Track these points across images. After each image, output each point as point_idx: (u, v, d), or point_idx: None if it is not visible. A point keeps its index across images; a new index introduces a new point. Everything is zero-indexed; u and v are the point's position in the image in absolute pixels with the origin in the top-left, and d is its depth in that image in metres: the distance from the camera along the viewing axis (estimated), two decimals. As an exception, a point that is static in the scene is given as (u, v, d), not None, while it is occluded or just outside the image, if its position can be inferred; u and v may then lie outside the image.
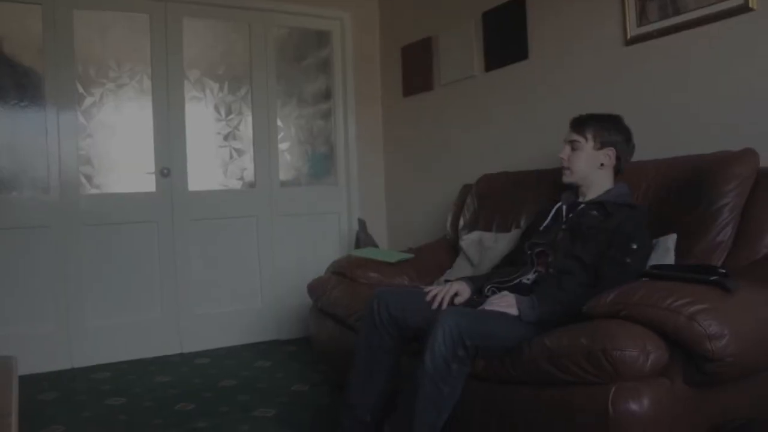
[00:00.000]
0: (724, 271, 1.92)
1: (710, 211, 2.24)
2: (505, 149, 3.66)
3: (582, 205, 2.37)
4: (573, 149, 2.41)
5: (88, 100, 3.96)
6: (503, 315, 2.05)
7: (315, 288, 3.31)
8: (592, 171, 2.40)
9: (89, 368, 3.77)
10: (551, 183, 2.90)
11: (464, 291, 2.32)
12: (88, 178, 3.96)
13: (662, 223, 2.36)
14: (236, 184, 4.43)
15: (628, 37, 2.92)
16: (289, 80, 4.59)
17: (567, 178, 2.44)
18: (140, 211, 4.05)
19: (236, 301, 4.32)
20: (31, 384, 3.38)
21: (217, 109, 4.35)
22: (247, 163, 4.43)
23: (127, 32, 4.07)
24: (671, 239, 2.26)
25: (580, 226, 2.28)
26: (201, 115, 4.28)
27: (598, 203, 2.34)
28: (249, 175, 4.44)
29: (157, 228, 4.09)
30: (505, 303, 2.09)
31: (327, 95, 4.72)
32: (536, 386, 1.93)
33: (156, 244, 4.08)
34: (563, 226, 2.35)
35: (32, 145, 3.79)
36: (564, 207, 2.43)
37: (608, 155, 2.40)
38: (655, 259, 2.22)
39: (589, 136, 2.39)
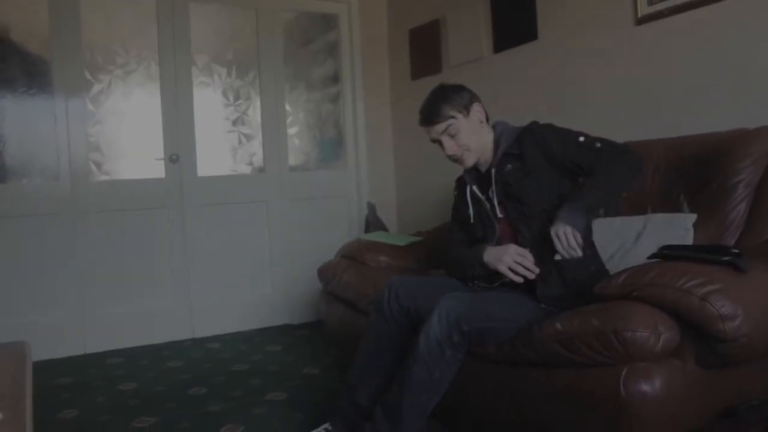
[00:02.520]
0: (737, 251, 1.90)
1: (724, 188, 2.22)
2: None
3: (493, 170, 2.24)
4: (451, 136, 2.22)
5: (96, 87, 3.96)
6: (506, 299, 2.03)
7: (325, 272, 3.32)
8: (481, 135, 2.27)
9: (102, 354, 3.81)
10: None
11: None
12: (98, 165, 3.97)
13: (673, 200, 2.34)
14: (245, 169, 4.43)
15: (639, 16, 2.89)
16: (297, 64, 4.57)
17: (470, 161, 2.28)
18: (150, 197, 4.06)
19: (247, 285, 4.33)
20: (45, 370, 3.42)
21: (225, 94, 4.34)
22: (256, 148, 4.43)
23: (133, 18, 4.06)
24: (690, 219, 2.23)
25: (512, 188, 2.18)
26: (209, 100, 4.28)
27: (504, 156, 2.22)
28: (258, 160, 4.44)
29: (167, 214, 4.10)
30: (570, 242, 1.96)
31: (335, 79, 4.71)
32: (547, 369, 1.93)
33: (166, 230, 4.10)
34: (495, 201, 2.22)
35: (41, 132, 3.80)
36: (475, 187, 2.31)
37: (478, 111, 2.27)
38: (674, 239, 2.20)
39: (453, 112, 2.22)
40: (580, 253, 1.99)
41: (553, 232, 1.99)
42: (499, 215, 2.22)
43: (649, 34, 2.86)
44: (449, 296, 1.97)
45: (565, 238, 1.96)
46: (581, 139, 2.10)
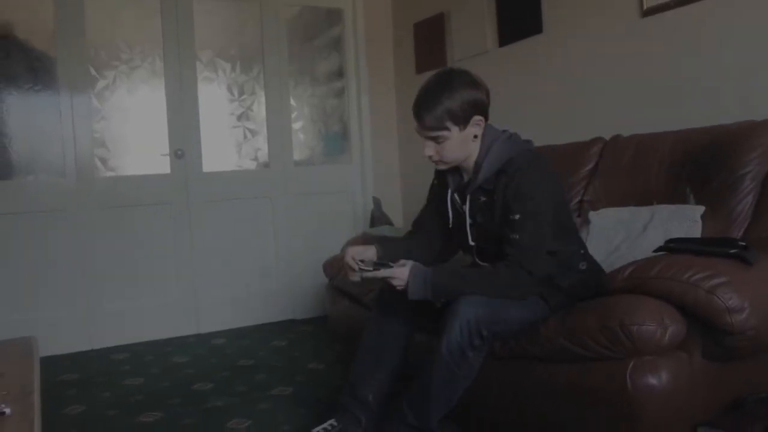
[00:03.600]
0: (743, 243, 1.89)
1: (731, 180, 2.21)
2: (518, 125, 3.60)
3: (468, 197, 2.08)
4: (438, 142, 2.00)
5: (101, 83, 3.96)
6: (521, 299, 2.02)
7: (330, 267, 3.32)
8: (468, 149, 2.04)
9: (108, 349, 3.81)
10: (566, 158, 2.88)
11: (364, 252, 2.13)
12: (103, 161, 3.97)
13: (679, 193, 2.33)
14: (250, 165, 4.43)
15: (645, 8, 2.87)
16: (302, 59, 4.57)
17: (443, 167, 2.11)
18: (155, 193, 4.06)
19: (252, 281, 4.33)
20: (51, 365, 3.42)
21: (229, 89, 4.34)
22: (261, 143, 4.43)
23: (137, 14, 4.06)
24: (698, 211, 2.22)
25: (479, 223, 2.08)
26: (214, 95, 4.28)
27: (479, 188, 2.05)
28: (263, 155, 4.44)
29: (172, 210, 4.10)
30: (397, 282, 1.97)
31: (339, 74, 4.70)
32: (553, 364, 1.92)
33: (171, 225, 4.10)
34: (470, 221, 2.10)
35: (47, 129, 3.80)
36: (456, 195, 2.15)
37: (477, 125, 2.01)
38: (681, 231, 2.19)
39: (449, 123, 1.96)
40: (357, 279, 2.07)
41: (397, 271, 1.96)
42: (471, 243, 2.13)
43: (655, 26, 2.85)
44: (467, 302, 1.91)
45: (388, 280, 1.97)
46: (516, 216, 1.93)
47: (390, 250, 2.14)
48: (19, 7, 3.77)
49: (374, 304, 2.29)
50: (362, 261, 2.05)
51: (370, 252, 2.13)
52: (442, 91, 1.96)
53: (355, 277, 2.09)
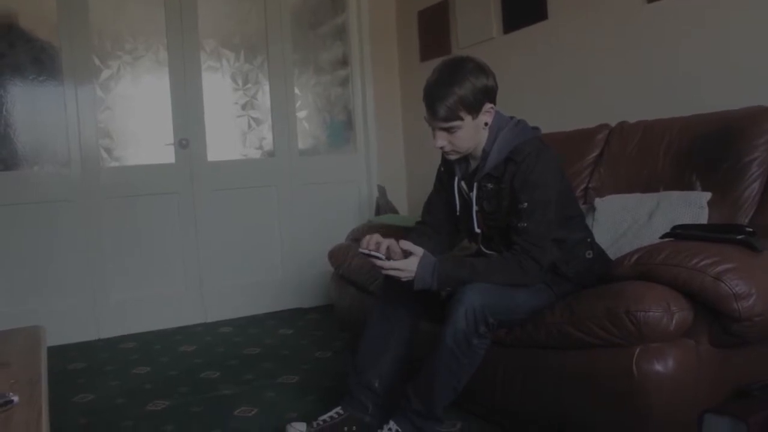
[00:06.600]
0: (750, 229, 1.89)
1: (738, 166, 2.20)
2: (524, 112, 3.58)
3: (475, 185, 2.10)
4: (450, 133, 2.00)
5: (105, 73, 3.96)
6: (526, 288, 2.02)
7: (336, 255, 3.32)
8: (478, 137, 2.05)
9: (115, 339, 3.83)
10: (572, 145, 2.87)
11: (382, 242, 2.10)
12: (108, 151, 3.98)
13: (686, 179, 2.32)
14: (255, 154, 4.43)
15: (651, -7, 2.86)
16: (306, 48, 4.55)
17: (454, 156, 2.10)
18: (160, 182, 4.07)
19: (258, 269, 4.34)
20: (59, 355, 3.44)
21: (234, 78, 4.33)
22: (266, 132, 4.42)
23: (141, 3, 4.05)
24: (705, 197, 2.22)
25: (486, 210, 2.10)
26: (218, 85, 4.27)
27: (487, 175, 2.06)
28: (268, 144, 4.43)
29: (178, 199, 4.11)
30: (404, 274, 1.97)
31: (344, 62, 4.68)
32: (559, 351, 1.92)
33: (177, 215, 4.11)
34: (476, 208, 2.12)
35: (51, 119, 3.81)
36: (463, 183, 2.16)
37: (488, 112, 2.02)
38: (688, 218, 2.18)
39: (462, 113, 1.96)
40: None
41: (406, 263, 1.96)
42: (477, 230, 2.15)
43: (661, 12, 2.83)
44: (473, 289, 1.91)
45: (390, 271, 1.97)
46: (524, 205, 1.96)
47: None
48: (23, -3, 3.77)
49: (380, 292, 2.29)
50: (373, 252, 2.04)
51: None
52: (453, 80, 1.96)
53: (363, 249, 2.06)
